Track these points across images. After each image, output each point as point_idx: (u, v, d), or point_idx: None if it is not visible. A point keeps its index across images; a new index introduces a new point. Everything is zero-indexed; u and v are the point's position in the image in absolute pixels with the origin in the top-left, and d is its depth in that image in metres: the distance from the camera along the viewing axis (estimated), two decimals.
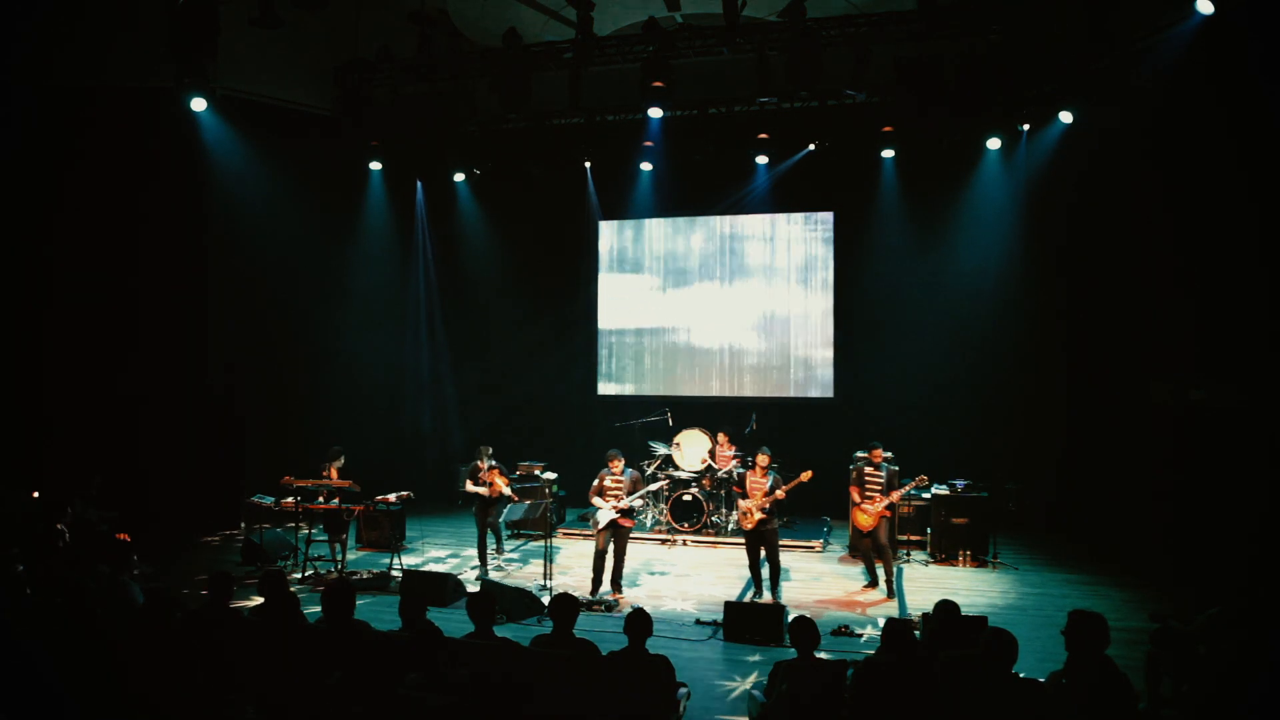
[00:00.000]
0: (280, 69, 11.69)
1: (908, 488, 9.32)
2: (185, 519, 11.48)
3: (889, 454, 10.27)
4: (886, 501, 9.20)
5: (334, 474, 9.80)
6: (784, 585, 8.99)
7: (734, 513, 11.56)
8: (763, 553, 8.85)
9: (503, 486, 10.04)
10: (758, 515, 8.68)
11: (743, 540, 9.13)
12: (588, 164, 13.62)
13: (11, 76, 10.09)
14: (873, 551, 9.37)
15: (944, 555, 10.49)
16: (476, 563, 10.18)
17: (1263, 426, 8.81)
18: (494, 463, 10.15)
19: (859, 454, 10.64)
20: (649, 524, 11.97)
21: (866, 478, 9.39)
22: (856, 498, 9.39)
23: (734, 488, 11.45)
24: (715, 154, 12.81)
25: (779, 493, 8.61)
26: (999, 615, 7.96)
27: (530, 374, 14.61)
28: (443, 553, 11.12)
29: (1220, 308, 9.44)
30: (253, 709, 4.39)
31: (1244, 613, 5.73)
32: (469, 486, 10.17)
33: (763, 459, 8.87)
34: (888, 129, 11.81)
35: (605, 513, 8.82)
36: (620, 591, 8.92)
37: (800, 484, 8.75)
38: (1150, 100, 9.41)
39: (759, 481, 8.78)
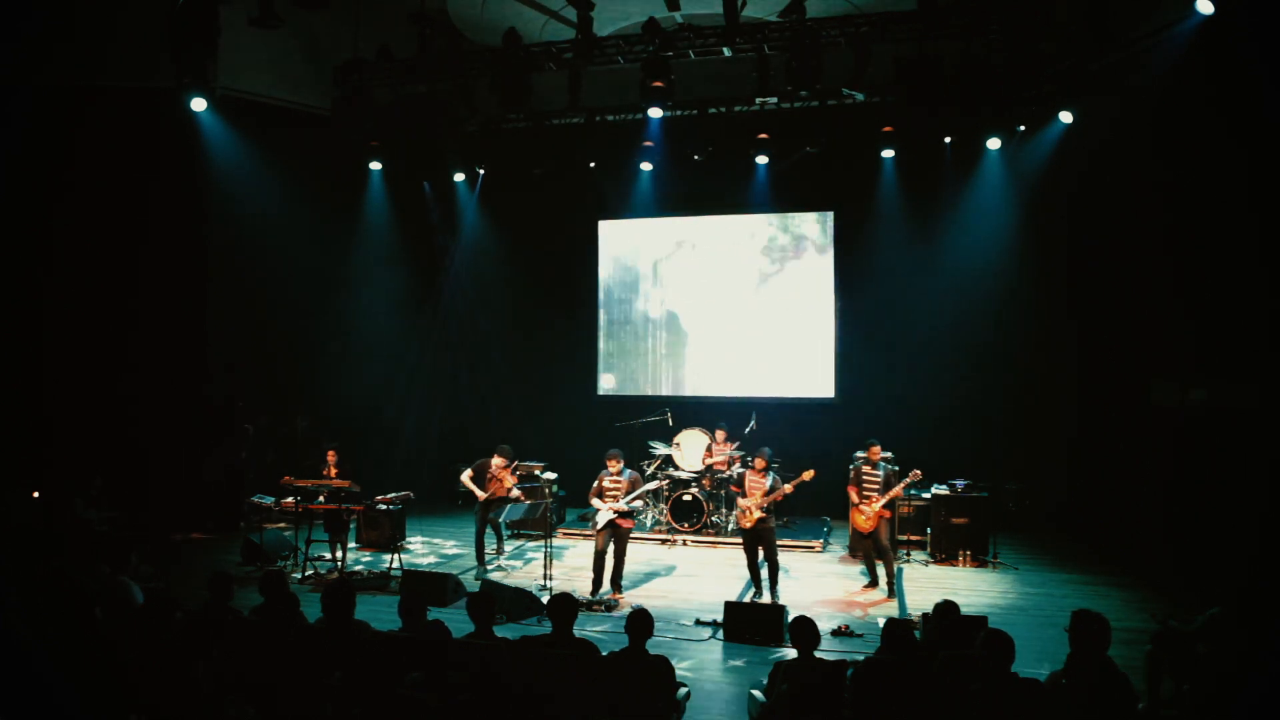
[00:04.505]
0: (280, 69, 11.68)
1: (903, 484, 9.30)
2: (185, 519, 11.47)
3: (888, 453, 10.26)
4: (883, 500, 9.19)
5: (333, 470, 9.82)
6: (784, 585, 8.98)
7: (734, 512, 11.56)
8: (761, 553, 8.86)
9: (511, 485, 10.09)
10: (756, 514, 8.69)
11: (742, 540, 9.13)
12: (590, 164, 13.60)
13: (10, 76, 10.09)
14: (874, 552, 9.36)
15: (944, 555, 10.48)
16: (474, 561, 10.20)
17: (1264, 426, 8.80)
18: (515, 462, 10.24)
19: (858, 454, 10.64)
20: (649, 524, 11.97)
21: (864, 477, 9.38)
22: (854, 498, 9.38)
23: (733, 487, 11.44)
24: (715, 154, 12.80)
25: (786, 488, 8.64)
26: (999, 615, 7.96)
27: (530, 374, 14.61)
28: (448, 550, 11.14)
29: (1220, 307, 9.44)
30: (253, 709, 4.39)
31: (1244, 613, 5.72)
32: (466, 479, 10.16)
33: (760, 461, 8.89)
34: (888, 129, 11.79)
35: (603, 514, 8.85)
36: (620, 591, 8.93)
37: (802, 482, 8.77)
38: (1150, 100, 9.40)
39: (758, 481, 8.80)
